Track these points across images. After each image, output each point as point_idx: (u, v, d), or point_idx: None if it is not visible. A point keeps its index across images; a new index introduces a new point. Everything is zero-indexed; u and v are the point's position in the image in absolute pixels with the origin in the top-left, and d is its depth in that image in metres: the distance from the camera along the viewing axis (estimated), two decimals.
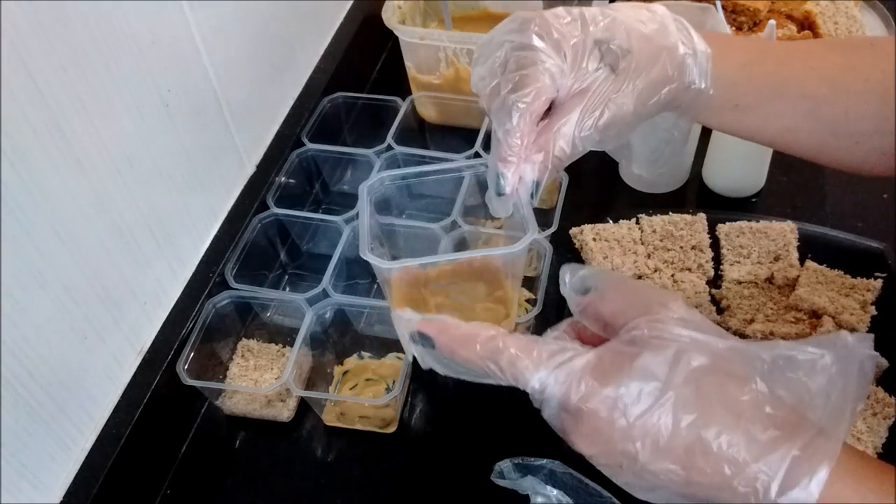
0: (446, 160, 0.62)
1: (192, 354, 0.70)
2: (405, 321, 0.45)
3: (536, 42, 0.47)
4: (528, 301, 0.78)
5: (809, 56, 0.53)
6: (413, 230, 0.78)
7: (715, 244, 0.81)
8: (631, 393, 0.39)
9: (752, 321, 0.74)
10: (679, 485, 0.39)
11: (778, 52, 0.54)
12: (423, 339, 0.44)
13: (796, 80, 0.52)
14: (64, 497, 0.61)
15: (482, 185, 0.85)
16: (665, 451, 0.39)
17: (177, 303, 0.73)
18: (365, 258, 0.47)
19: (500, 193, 0.47)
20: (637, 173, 0.57)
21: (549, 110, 0.48)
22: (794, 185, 0.89)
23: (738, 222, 0.82)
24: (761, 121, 0.53)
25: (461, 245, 0.80)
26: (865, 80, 0.51)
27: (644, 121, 0.50)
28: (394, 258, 0.91)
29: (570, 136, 0.47)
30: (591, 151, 1.02)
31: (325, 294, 0.74)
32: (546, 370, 0.42)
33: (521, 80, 0.46)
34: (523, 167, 0.47)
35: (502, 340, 0.43)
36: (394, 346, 0.77)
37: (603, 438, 0.40)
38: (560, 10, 0.49)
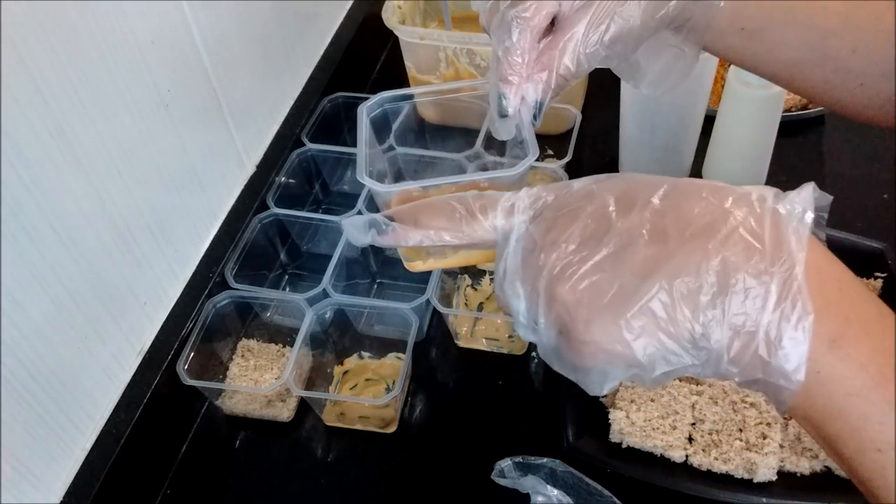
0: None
1: (192, 354, 0.70)
2: (358, 219, 0.42)
3: None
4: None
5: None
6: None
7: None
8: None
9: None
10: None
11: None
12: (383, 222, 0.41)
13: (806, 8, 0.50)
14: (64, 497, 0.61)
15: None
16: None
17: (177, 303, 0.73)
18: (362, 181, 0.45)
19: (502, 115, 0.45)
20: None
21: (552, 26, 0.46)
22: (794, 185, 0.89)
23: None
24: (767, 49, 0.51)
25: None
26: (877, 19, 0.49)
27: (651, 35, 0.48)
28: None
29: (575, 52, 0.45)
30: (589, 152, 1.02)
31: (325, 294, 0.74)
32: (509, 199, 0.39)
33: (525, 12, 0.45)
34: (525, 87, 0.45)
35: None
36: (394, 345, 0.77)
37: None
38: None
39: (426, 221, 0.40)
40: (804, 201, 0.35)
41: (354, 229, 0.41)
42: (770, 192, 0.36)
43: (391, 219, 0.40)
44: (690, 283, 0.33)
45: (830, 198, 0.36)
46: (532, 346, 0.76)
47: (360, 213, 0.80)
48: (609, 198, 0.36)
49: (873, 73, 0.50)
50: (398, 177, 0.88)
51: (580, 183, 0.38)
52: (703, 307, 0.33)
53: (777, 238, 0.34)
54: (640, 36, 0.47)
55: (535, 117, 0.46)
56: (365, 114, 0.51)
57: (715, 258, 0.33)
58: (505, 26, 0.45)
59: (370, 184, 0.45)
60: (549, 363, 0.38)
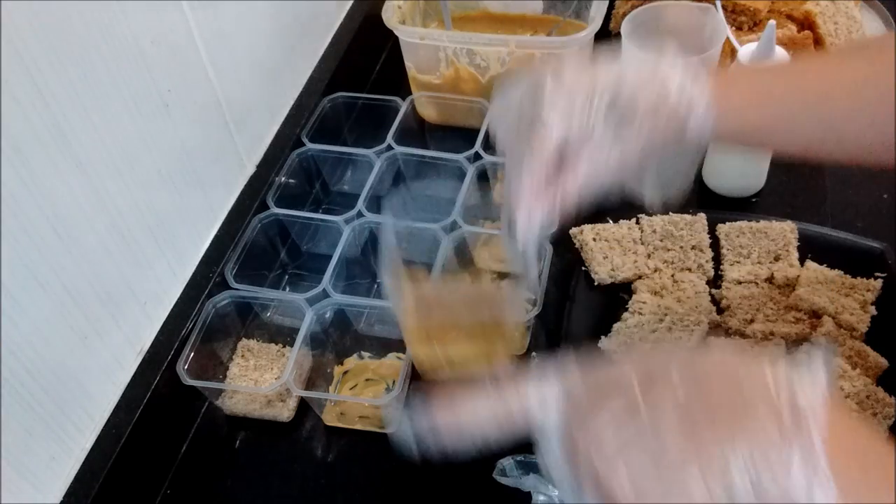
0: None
1: (192, 354, 0.70)
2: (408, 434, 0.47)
3: (547, 116, 0.51)
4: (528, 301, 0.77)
5: (826, 70, 0.53)
6: (414, 230, 0.78)
7: (715, 244, 0.81)
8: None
9: (752, 321, 0.73)
10: None
11: (791, 75, 0.54)
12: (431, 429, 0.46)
13: (815, 102, 0.52)
14: (64, 497, 0.61)
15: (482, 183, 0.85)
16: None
17: (177, 303, 0.73)
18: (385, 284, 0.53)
19: (513, 236, 0.52)
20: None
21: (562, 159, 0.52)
22: (794, 185, 0.89)
23: (738, 222, 0.82)
24: (781, 141, 0.54)
25: (461, 246, 0.80)
26: (888, 88, 0.50)
27: (656, 156, 0.53)
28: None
29: (577, 185, 0.52)
30: None
31: (325, 294, 0.74)
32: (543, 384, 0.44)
33: (534, 144, 0.51)
34: (533, 212, 0.52)
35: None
36: (394, 346, 0.77)
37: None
38: (572, 64, 0.52)
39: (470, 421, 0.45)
40: (817, 375, 0.37)
41: (408, 443, 0.46)
42: (781, 373, 0.37)
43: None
44: (723, 470, 0.35)
45: (832, 351, 0.39)
46: (532, 347, 0.76)
47: (359, 213, 0.80)
48: (633, 379, 0.39)
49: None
50: (397, 177, 0.88)
51: (601, 371, 0.41)
52: (737, 486, 0.35)
53: (796, 420, 0.36)
54: (643, 160, 0.52)
55: (540, 235, 0.53)
56: (390, 222, 0.58)
57: (743, 449, 0.35)
58: (518, 167, 0.51)
59: (391, 290, 0.54)
60: None
